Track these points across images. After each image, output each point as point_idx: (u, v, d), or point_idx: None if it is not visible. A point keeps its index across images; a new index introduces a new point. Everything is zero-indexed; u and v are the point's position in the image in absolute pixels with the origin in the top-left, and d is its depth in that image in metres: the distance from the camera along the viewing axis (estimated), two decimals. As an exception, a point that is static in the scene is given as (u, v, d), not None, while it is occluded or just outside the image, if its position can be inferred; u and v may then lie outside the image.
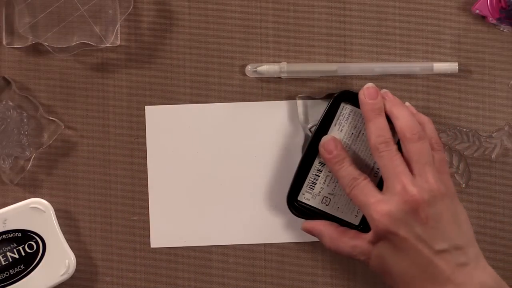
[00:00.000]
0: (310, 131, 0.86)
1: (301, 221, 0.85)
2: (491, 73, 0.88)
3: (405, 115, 0.81)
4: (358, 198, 0.80)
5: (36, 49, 0.87)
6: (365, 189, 0.80)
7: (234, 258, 0.88)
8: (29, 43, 0.86)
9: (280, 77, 0.87)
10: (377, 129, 0.81)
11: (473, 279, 0.77)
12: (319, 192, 0.85)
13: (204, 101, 0.88)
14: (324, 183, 0.85)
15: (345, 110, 0.85)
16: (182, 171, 0.88)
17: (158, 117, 0.88)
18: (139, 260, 0.88)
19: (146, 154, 0.88)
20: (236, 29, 0.88)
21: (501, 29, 0.87)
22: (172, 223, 0.88)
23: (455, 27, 0.88)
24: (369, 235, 0.80)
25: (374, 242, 0.79)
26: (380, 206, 0.78)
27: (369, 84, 0.83)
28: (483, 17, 0.87)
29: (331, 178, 0.85)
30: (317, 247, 0.88)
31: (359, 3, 0.88)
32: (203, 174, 0.88)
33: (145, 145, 0.88)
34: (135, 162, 0.88)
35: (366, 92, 0.82)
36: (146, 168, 0.88)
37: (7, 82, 0.87)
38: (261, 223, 0.88)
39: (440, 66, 0.87)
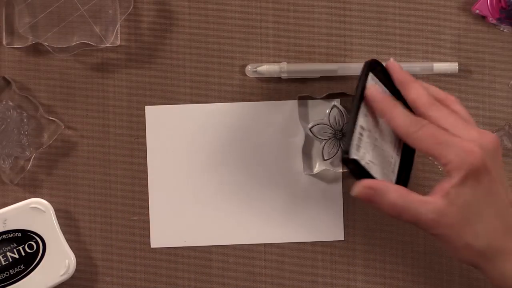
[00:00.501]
0: (311, 131, 0.86)
1: (303, 221, 0.85)
2: (491, 73, 0.88)
3: (428, 87, 0.77)
4: (434, 135, 0.72)
5: (36, 49, 0.87)
6: (440, 129, 0.73)
7: (234, 258, 0.88)
8: (29, 43, 0.86)
9: (280, 77, 0.87)
10: (424, 89, 0.76)
11: None
12: (363, 156, 0.77)
13: (204, 101, 0.88)
14: (366, 147, 0.76)
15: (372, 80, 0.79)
16: (182, 171, 0.88)
17: (158, 117, 0.88)
18: (139, 260, 0.88)
19: (146, 154, 0.88)
20: (236, 29, 0.88)
21: (501, 29, 0.87)
22: (172, 223, 0.88)
23: (455, 27, 0.88)
24: (451, 181, 0.72)
25: (459, 184, 0.71)
26: (471, 142, 0.71)
27: (391, 59, 0.78)
28: (483, 17, 0.87)
29: (370, 145, 0.76)
30: (317, 247, 0.88)
31: (359, 3, 0.88)
32: (203, 174, 0.88)
33: (145, 145, 0.88)
34: (135, 162, 0.88)
35: (393, 64, 0.77)
36: (146, 168, 0.88)
37: (7, 82, 0.87)
38: (261, 223, 0.88)
39: (440, 66, 0.87)
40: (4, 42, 0.87)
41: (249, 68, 0.87)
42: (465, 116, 0.75)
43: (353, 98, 0.76)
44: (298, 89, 0.88)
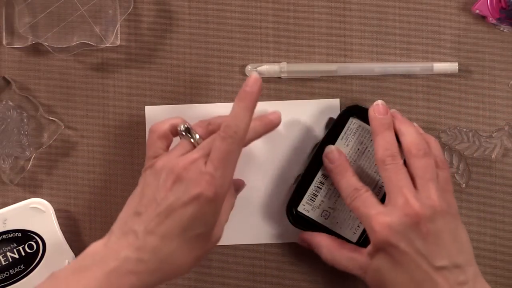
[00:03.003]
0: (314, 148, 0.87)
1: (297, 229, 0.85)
2: (491, 73, 0.88)
3: (411, 132, 0.81)
4: (359, 209, 0.79)
5: (36, 49, 0.87)
6: (366, 200, 0.79)
7: (234, 258, 0.88)
8: (29, 43, 0.86)
9: (280, 77, 0.87)
10: (385, 142, 0.80)
11: None
12: (320, 204, 0.85)
13: (204, 101, 0.88)
14: (325, 196, 0.85)
15: (353, 125, 0.85)
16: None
17: (158, 117, 0.88)
18: (139, 260, 0.88)
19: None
20: (236, 29, 0.88)
21: (501, 29, 0.87)
22: (172, 223, 0.88)
23: (455, 27, 0.88)
24: (368, 248, 0.79)
25: (373, 254, 0.79)
26: (381, 218, 0.77)
27: (379, 101, 0.82)
28: (483, 17, 0.87)
29: (333, 192, 0.85)
30: (317, 247, 0.88)
31: (359, 3, 0.88)
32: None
33: (145, 145, 0.88)
34: (135, 162, 0.88)
35: (376, 108, 0.82)
36: (146, 168, 0.88)
37: (7, 82, 0.87)
38: (261, 223, 0.88)
39: (440, 66, 0.87)
40: (4, 42, 0.87)
41: (249, 68, 0.87)
42: (424, 172, 0.79)
43: (312, 150, 0.86)
44: (298, 89, 0.88)
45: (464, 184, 0.88)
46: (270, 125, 0.83)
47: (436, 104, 0.88)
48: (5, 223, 0.85)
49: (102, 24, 0.86)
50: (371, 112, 0.82)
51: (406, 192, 0.77)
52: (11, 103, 0.86)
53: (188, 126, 0.78)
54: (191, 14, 0.88)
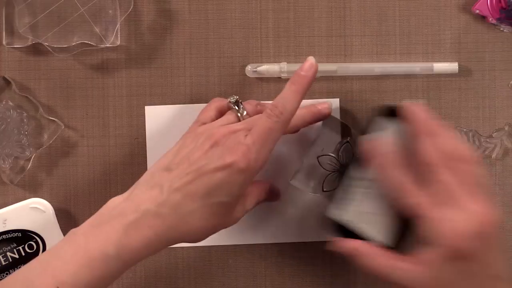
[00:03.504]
0: (318, 160, 0.83)
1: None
2: (491, 73, 0.88)
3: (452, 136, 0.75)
4: (421, 207, 0.71)
5: (36, 49, 0.87)
6: (422, 207, 0.71)
7: (234, 258, 0.88)
8: (29, 43, 0.86)
9: (280, 77, 0.87)
10: (432, 147, 0.73)
11: None
12: (351, 207, 0.79)
13: (204, 101, 0.88)
14: (358, 196, 0.79)
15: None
16: (182, 171, 0.88)
17: (158, 117, 0.88)
18: (139, 260, 0.88)
19: (146, 154, 0.88)
20: (236, 29, 0.88)
21: (501, 29, 0.87)
22: (172, 223, 0.88)
23: (455, 27, 0.88)
24: (428, 255, 0.71)
25: (436, 263, 0.70)
26: (458, 223, 0.69)
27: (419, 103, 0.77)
28: (483, 17, 0.87)
29: (363, 193, 0.78)
30: (317, 247, 0.88)
31: (359, 3, 0.88)
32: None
33: (145, 145, 0.88)
34: (135, 162, 0.88)
35: (419, 109, 0.75)
36: (146, 168, 0.88)
37: (7, 82, 0.87)
38: (261, 223, 0.88)
39: (440, 66, 0.87)
40: (4, 42, 0.87)
41: (249, 68, 0.87)
42: (475, 181, 0.72)
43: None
44: (298, 89, 0.88)
45: (464, 184, 0.88)
46: (318, 115, 0.83)
47: (436, 104, 0.88)
48: (5, 223, 0.85)
49: (102, 24, 0.86)
50: (413, 113, 0.75)
51: (478, 197, 0.71)
52: (11, 103, 0.86)
53: (238, 99, 0.80)
54: (191, 14, 0.88)
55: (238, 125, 0.77)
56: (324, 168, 0.84)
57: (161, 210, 0.73)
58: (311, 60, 0.78)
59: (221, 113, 0.81)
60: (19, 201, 0.87)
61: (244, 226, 0.88)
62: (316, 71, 0.78)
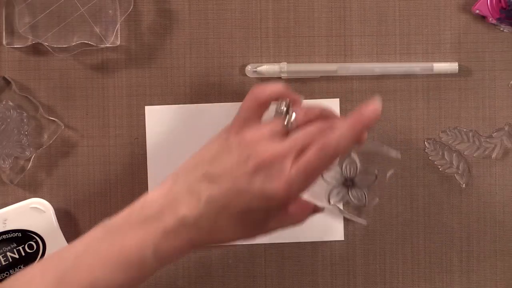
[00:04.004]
0: (322, 175, 0.84)
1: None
2: (491, 73, 0.88)
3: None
4: None
5: (36, 49, 0.87)
6: None
7: (234, 258, 0.88)
8: (29, 43, 0.86)
9: (280, 77, 0.87)
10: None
11: None
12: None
13: (204, 101, 0.88)
14: None
15: None
16: (182, 171, 0.88)
17: (158, 117, 0.88)
18: (139, 260, 0.88)
19: (146, 154, 0.88)
20: (236, 29, 0.88)
21: (501, 29, 0.87)
22: (172, 223, 0.88)
23: (455, 27, 0.88)
24: None
25: None
26: None
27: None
28: (483, 17, 0.87)
29: None
30: (317, 247, 0.88)
31: (359, 3, 0.88)
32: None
33: (145, 145, 0.88)
34: (135, 162, 0.88)
35: None
36: (146, 168, 0.88)
37: (7, 82, 0.87)
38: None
39: (440, 66, 0.87)
40: (4, 42, 0.87)
41: (249, 68, 0.87)
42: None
43: None
44: (298, 89, 0.88)
45: (464, 184, 0.88)
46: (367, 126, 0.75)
47: (436, 104, 0.88)
48: (5, 223, 0.85)
49: (102, 24, 0.86)
50: None
51: None
52: (11, 103, 0.86)
53: (287, 105, 0.74)
54: (191, 14, 0.88)
55: (287, 146, 0.72)
56: (328, 182, 0.86)
57: (199, 222, 0.72)
58: (377, 103, 0.72)
59: (265, 108, 0.76)
60: (19, 201, 0.86)
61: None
62: (378, 116, 0.72)
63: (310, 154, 0.71)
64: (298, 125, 0.74)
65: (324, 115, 0.75)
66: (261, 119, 0.75)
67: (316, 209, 0.79)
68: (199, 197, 0.72)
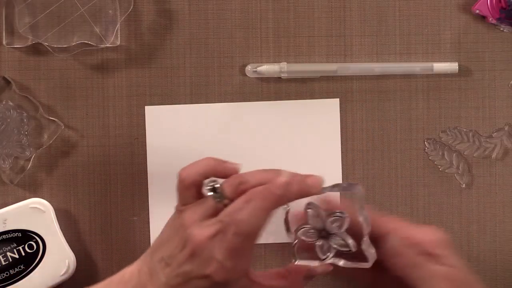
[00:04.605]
0: (297, 235, 0.79)
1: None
2: (491, 73, 0.88)
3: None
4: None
5: (36, 49, 0.87)
6: None
7: (234, 258, 0.88)
8: (29, 43, 0.86)
9: (280, 77, 0.87)
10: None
11: None
12: None
13: (204, 101, 0.88)
14: None
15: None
16: (182, 171, 0.88)
17: (158, 117, 0.88)
18: (139, 260, 0.88)
19: (146, 154, 0.88)
20: (236, 29, 0.88)
21: (501, 29, 0.87)
22: (172, 223, 0.88)
23: (455, 27, 0.88)
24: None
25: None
26: (426, 232, 0.76)
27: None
28: (483, 17, 0.87)
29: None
30: (317, 247, 0.88)
31: (359, 3, 0.88)
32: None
33: (145, 145, 0.88)
34: (135, 162, 0.88)
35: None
36: (146, 168, 0.88)
37: (7, 82, 0.87)
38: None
39: (440, 66, 0.87)
40: (4, 42, 0.87)
41: (249, 68, 0.87)
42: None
43: None
44: (298, 89, 0.88)
45: (464, 184, 0.88)
46: (306, 192, 0.75)
47: (436, 104, 0.88)
48: (5, 223, 0.85)
49: (102, 24, 0.86)
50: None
51: None
52: (11, 103, 0.86)
53: (215, 185, 0.73)
54: (191, 14, 0.88)
55: (213, 227, 0.72)
56: (310, 240, 0.78)
57: None
58: (284, 177, 0.72)
59: (196, 187, 0.74)
60: (19, 201, 0.86)
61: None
62: (294, 194, 0.73)
63: (227, 237, 0.71)
64: (235, 197, 0.73)
65: (266, 179, 0.73)
66: (199, 195, 0.74)
67: (310, 272, 0.78)
68: (159, 280, 0.73)
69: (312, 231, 0.77)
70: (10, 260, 0.85)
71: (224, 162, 0.75)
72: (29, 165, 0.87)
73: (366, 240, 0.74)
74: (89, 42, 0.86)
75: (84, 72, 0.88)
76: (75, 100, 0.88)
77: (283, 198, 0.72)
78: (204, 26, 0.88)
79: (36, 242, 0.85)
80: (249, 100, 0.88)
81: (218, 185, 0.72)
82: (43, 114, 0.87)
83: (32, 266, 0.85)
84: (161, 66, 0.88)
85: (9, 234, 0.85)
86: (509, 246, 0.88)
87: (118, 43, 0.86)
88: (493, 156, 0.88)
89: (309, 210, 0.77)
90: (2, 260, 0.85)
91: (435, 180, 0.88)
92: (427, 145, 0.88)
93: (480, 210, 0.88)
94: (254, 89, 0.88)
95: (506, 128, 0.88)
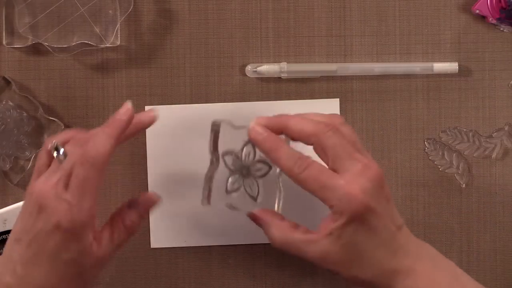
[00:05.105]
0: (223, 158, 0.81)
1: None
2: (491, 73, 0.88)
3: (303, 122, 0.76)
4: (317, 179, 0.73)
5: (36, 49, 0.87)
6: (323, 169, 0.73)
7: (234, 258, 0.88)
8: (29, 43, 0.86)
9: (280, 77, 0.87)
10: (302, 121, 0.76)
11: (422, 249, 0.76)
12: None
13: (204, 101, 0.88)
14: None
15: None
16: (182, 171, 0.88)
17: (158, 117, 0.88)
18: (139, 260, 0.88)
19: (146, 154, 0.88)
20: (236, 29, 0.88)
21: (501, 29, 0.87)
22: (172, 223, 0.88)
23: (455, 27, 0.88)
24: (335, 222, 0.73)
25: (343, 228, 0.73)
26: (354, 185, 0.72)
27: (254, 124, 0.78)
28: (483, 17, 0.87)
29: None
30: (317, 247, 0.88)
31: (359, 3, 0.88)
32: (203, 174, 0.87)
33: (145, 145, 0.88)
34: (135, 162, 0.88)
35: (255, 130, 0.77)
36: (146, 168, 0.88)
37: (7, 82, 0.87)
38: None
39: (440, 66, 0.87)
40: (4, 42, 0.87)
41: (249, 68, 0.87)
42: (351, 138, 0.76)
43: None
44: (298, 89, 0.88)
45: (464, 184, 0.88)
46: (141, 125, 0.81)
47: (436, 104, 0.88)
48: (5, 223, 0.85)
49: (102, 24, 0.86)
50: (254, 134, 0.77)
51: (358, 156, 0.74)
52: (11, 103, 0.86)
53: (57, 144, 0.75)
54: (191, 14, 0.88)
55: (54, 176, 0.74)
56: (229, 168, 0.82)
57: (22, 285, 0.73)
58: (127, 105, 0.77)
59: (50, 156, 0.77)
60: (19, 201, 0.86)
61: (244, 226, 0.88)
62: (131, 116, 0.76)
63: (76, 172, 0.73)
64: None
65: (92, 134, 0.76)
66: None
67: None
68: (13, 262, 0.74)
69: (238, 163, 0.81)
70: (10, 260, 0.85)
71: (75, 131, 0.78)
72: (29, 165, 0.87)
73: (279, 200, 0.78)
74: (89, 42, 0.86)
75: (84, 72, 0.88)
76: (75, 100, 0.88)
77: (126, 125, 0.76)
78: (204, 26, 0.88)
79: (36, 242, 0.85)
80: (249, 100, 0.88)
81: (60, 145, 0.75)
82: (43, 114, 0.87)
83: (32, 266, 0.85)
84: (161, 66, 0.88)
85: (9, 234, 0.85)
86: (509, 246, 0.88)
87: (118, 43, 0.86)
88: (493, 156, 0.88)
89: (248, 144, 0.81)
90: (2, 260, 0.85)
91: (435, 180, 0.88)
92: (427, 145, 0.88)
93: (480, 210, 0.88)
94: (254, 89, 0.88)
95: (506, 128, 0.88)
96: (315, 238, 0.74)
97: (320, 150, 0.75)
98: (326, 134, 0.74)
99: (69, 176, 0.73)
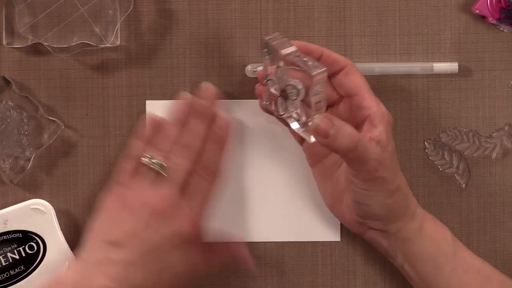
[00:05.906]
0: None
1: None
2: (491, 73, 0.88)
3: None
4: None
5: (36, 49, 0.87)
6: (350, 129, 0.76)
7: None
8: (29, 43, 0.86)
9: (280, 77, 0.87)
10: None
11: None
12: None
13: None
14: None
15: None
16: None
17: (159, 112, 0.87)
18: (139, 260, 0.88)
19: (146, 154, 0.88)
20: (236, 29, 0.88)
21: (501, 29, 0.87)
22: (172, 223, 0.88)
23: (455, 27, 0.88)
24: (377, 129, 0.78)
25: (385, 132, 0.78)
26: (382, 106, 0.80)
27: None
28: (483, 17, 0.87)
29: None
30: (317, 247, 0.88)
31: (359, 3, 0.88)
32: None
33: (145, 145, 0.88)
34: (135, 162, 0.88)
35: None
36: (146, 168, 0.88)
37: (7, 82, 0.87)
38: (261, 223, 0.88)
39: (440, 66, 0.87)
40: (4, 42, 0.87)
41: (249, 68, 0.87)
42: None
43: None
44: (298, 89, 0.88)
45: (464, 184, 0.88)
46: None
47: (436, 104, 0.88)
48: (6, 224, 0.85)
49: (102, 24, 0.86)
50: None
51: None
52: (11, 103, 0.86)
53: (153, 158, 0.77)
54: (191, 14, 0.88)
55: (172, 188, 0.76)
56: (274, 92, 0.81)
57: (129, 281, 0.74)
58: (210, 89, 0.82)
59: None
60: (19, 201, 0.87)
61: (244, 226, 0.88)
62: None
63: (197, 184, 0.77)
64: None
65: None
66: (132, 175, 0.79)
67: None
68: (115, 264, 0.73)
69: (276, 86, 0.80)
70: (11, 260, 0.85)
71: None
72: (29, 165, 0.87)
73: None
74: (89, 42, 0.86)
75: (84, 72, 0.88)
76: (75, 100, 0.88)
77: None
78: (204, 26, 0.88)
79: (37, 243, 0.85)
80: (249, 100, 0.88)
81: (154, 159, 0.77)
82: (43, 114, 0.87)
83: (33, 267, 0.85)
84: (161, 66, 0.88)
85: (9, 235, 0.85)
86: (509, 246, 0.88)
87: (118, 43, 0.86)
88: (493, 156, 0.88)
89: (268, 81, 0.81)
90: (2, 260, 0.85)
91: (435, 180, 0.88)
92: (427, 145, 0.88)
93: (480, 210, 0.88)
94: (254, 89, 0.88)
95: (506, 128, 0.88)
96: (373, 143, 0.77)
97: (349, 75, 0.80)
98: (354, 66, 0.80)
99: (183, 188, 0.76)
